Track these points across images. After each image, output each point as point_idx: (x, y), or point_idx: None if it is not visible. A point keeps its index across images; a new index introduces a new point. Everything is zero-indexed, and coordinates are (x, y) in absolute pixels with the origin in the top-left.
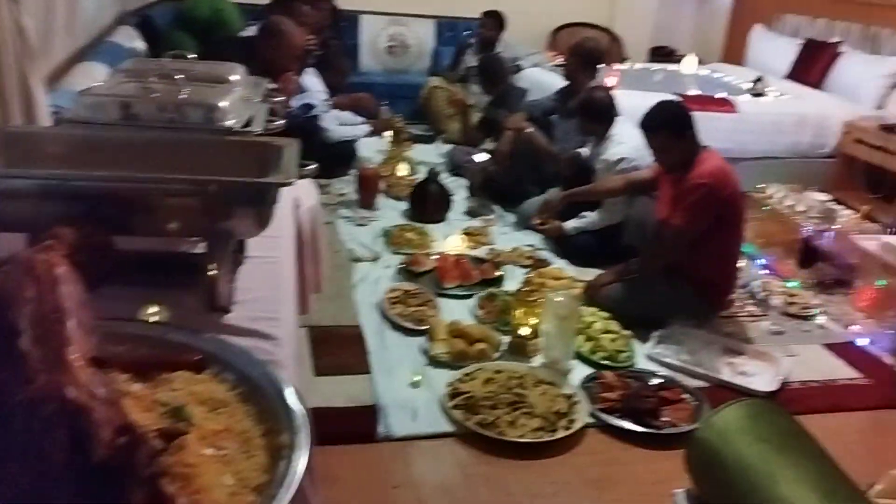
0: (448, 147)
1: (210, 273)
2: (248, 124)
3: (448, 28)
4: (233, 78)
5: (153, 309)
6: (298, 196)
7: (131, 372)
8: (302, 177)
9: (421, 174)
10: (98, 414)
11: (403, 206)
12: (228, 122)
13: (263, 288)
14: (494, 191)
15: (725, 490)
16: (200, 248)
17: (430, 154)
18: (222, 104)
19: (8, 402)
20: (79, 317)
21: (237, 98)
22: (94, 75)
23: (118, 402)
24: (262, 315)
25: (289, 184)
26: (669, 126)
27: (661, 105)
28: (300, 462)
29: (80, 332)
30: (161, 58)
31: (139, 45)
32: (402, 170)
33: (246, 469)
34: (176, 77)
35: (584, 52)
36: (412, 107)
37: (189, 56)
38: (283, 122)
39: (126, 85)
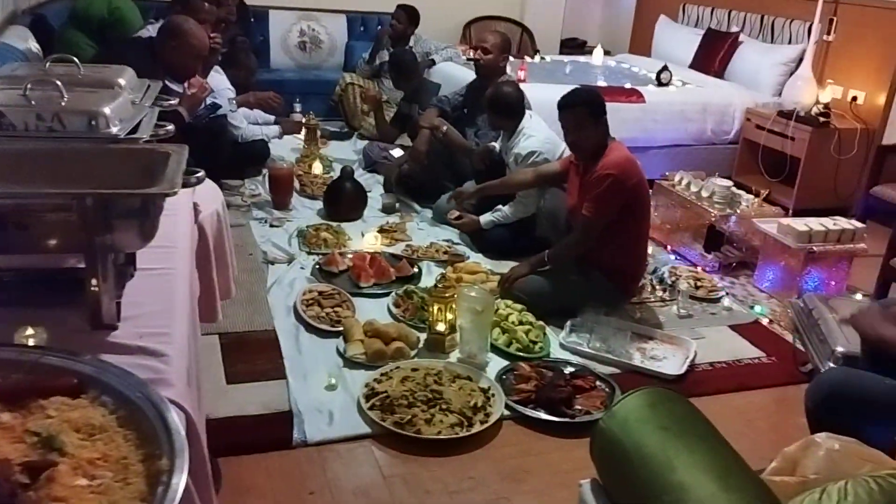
0: (363, 143)
1: (92, 289)
2: (134, 131)
3: (360, 23)
4: (121, 81)
5: (29, 331)
6: (199, 201)
7: (1, 401)
8: (187, 185)
9: (336, 172)
10: None
11: (318, 205)
12: (113, 130)
13: (154, 302)
14: (410, 187)
15: (627, 479)
16: (82, 263)
17: (346, 151)
18: (106, 110)
19: None
20: None
21: (123, 103)
22: None
23: None
24: (152, 331)
25: (172, 193)
26: (588, 105)
27: (583, 88)
28: (179, 487)
29: None
30: (45, 62)
31: (33, 45)
32: (317, 168)
33: (122, 498)
34: (57, 83)
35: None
36: (326, 103)
37: (78, 59)
38: (172, 127)
39: (1, 92)
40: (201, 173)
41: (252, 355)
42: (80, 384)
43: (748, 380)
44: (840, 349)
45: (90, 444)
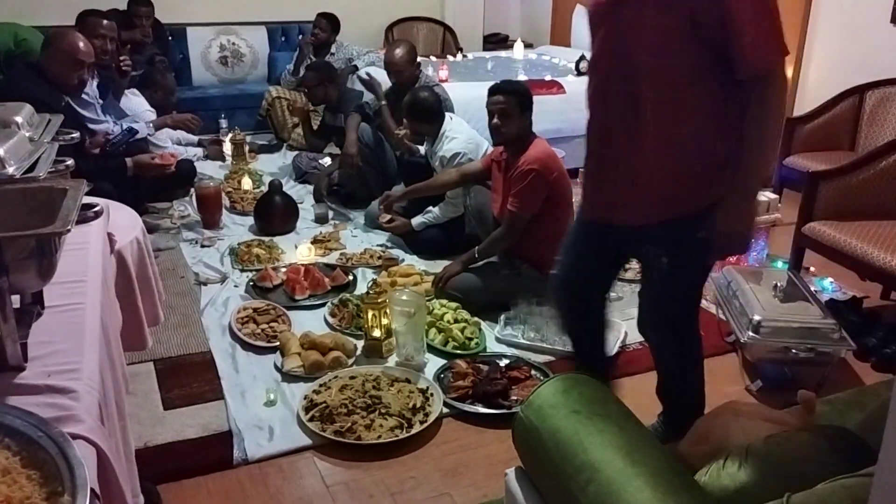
0: (293, 154)
1: None
2: (31, 169)
3: (281, 33)
4: (17, 119)
5: None
6: (114, 231)
7: None
8: (84, 220)
9: (266, 186)
10: None
11: (250, 220)
12: (9, 171)
13: (64, 339)
14: (341, 195)
15: (545, 463)
16: None
17: (276, 163)
18: (0, 151)
19: None
20: None
21: (19, 142)
22: None
23: None
24: (60, 368)
25: (65, 232)
26: (519, 95)
27: (516, 81)
28: None
29: None
30: None
31: None
32: (246, 184)
33: None
34: None
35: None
36: (253, 117)
37: None
38: (72, 161)
39: None
40: (98, 207)
41: (188, 378)
42: None
43: None
44: (757, 317)
45: None
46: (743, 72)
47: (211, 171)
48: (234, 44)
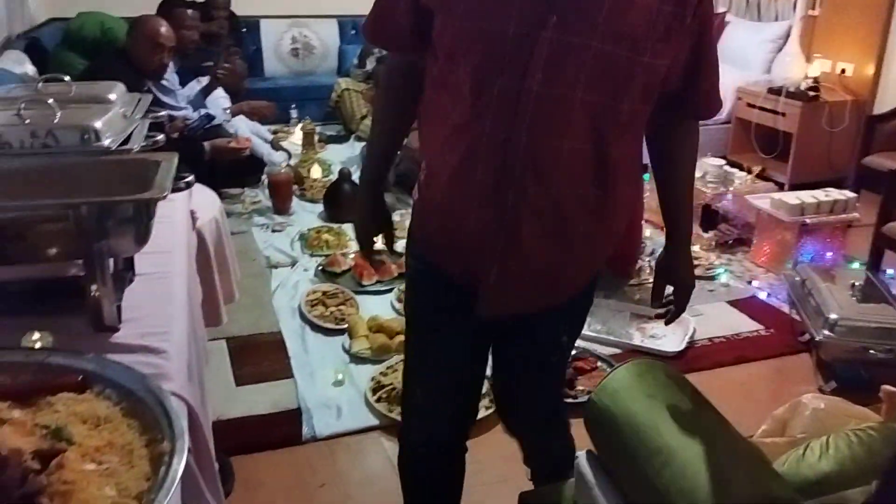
0: (361, 145)
1: (93, 294)
2: (125, 142)
3: (351, 26)
4: (111, 96)
5: (35, 336)
6: (196, 208)
7: (11, 399)
8: (178, 189)
9: (335, 175)
10: None
11: (319, 208)
12: (105, 142)
13: (154, 304)
14: (407, 185)
15: (618, 446)
16: (82, 271)
17: (345, 153)
18: (98, 125)
19: None
20: None
21: (114, 117)
22: None
23: None
24: (152, 331)
25: (161, 198)
26: None
27: None
28: (179, 467)
29: None
30: (37, 81)
31: (29, 68)
32: (316, 172)
33: (127, 479)
34: (49, 101)
35: None
36: (323, 108)
37: (67, 78)
38: (162, 137)
39: None
40: (190, 178)
41: (259, 357)
42: (85, 380)
43: (747, 352)
44: (833, 316)
45: (96, 433)
46: (706, 114)
47: (282, 159)
48: (305, 36)
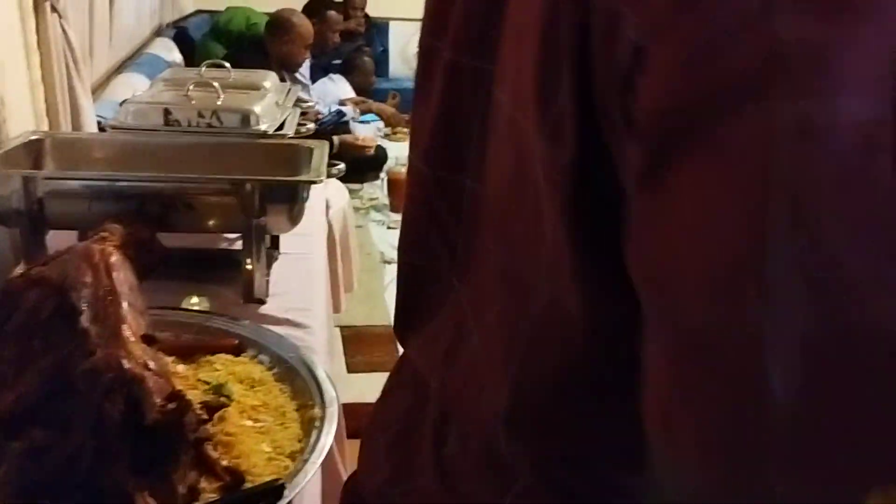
0: None
1: (247, 267)
2: (280, 128)
3: None
4: (266, 85)
5: (194, 300)
6: (329, 197)
7: (176, 354)
8: (331, 175)
9: None
10: (150, 383)
11: None
12: (263, 126)
13: (296, 282)
14: None
15: None
16: (238, 244)
17: None
18: (257, 109)
19: (72, 372)
20: (131, 299)
21: (270, 103)
22: (133, 85)
23: (167, 374)
24: (295, 307)
25: (319, 181)
26: None
27: None
28: (331, 433)
29: (132, 312)
30: (198, 67)
31: (176, 56)
32: None
33: (281, 438)
34: (212, 85)
35: None
36: None
37: (227, 65)
38: (313, 125)
39: (166, 93)
40: (342, 165)
41: (371, 348)
42: (241, 344)
43: None
44: None
45: (252, 393)
46: None
47: (401, 157)
48: None
